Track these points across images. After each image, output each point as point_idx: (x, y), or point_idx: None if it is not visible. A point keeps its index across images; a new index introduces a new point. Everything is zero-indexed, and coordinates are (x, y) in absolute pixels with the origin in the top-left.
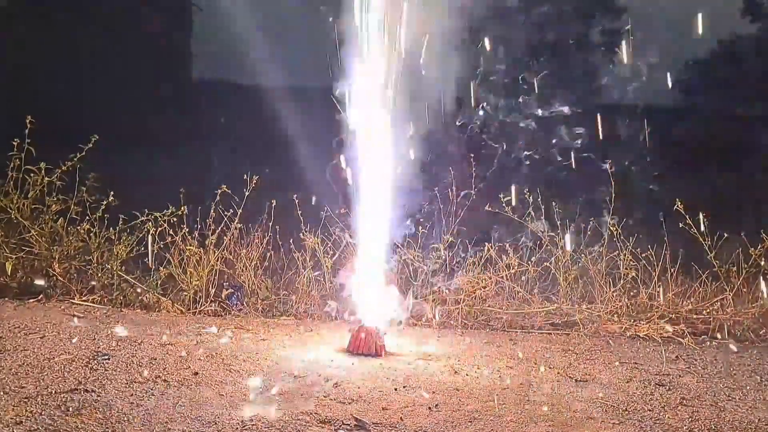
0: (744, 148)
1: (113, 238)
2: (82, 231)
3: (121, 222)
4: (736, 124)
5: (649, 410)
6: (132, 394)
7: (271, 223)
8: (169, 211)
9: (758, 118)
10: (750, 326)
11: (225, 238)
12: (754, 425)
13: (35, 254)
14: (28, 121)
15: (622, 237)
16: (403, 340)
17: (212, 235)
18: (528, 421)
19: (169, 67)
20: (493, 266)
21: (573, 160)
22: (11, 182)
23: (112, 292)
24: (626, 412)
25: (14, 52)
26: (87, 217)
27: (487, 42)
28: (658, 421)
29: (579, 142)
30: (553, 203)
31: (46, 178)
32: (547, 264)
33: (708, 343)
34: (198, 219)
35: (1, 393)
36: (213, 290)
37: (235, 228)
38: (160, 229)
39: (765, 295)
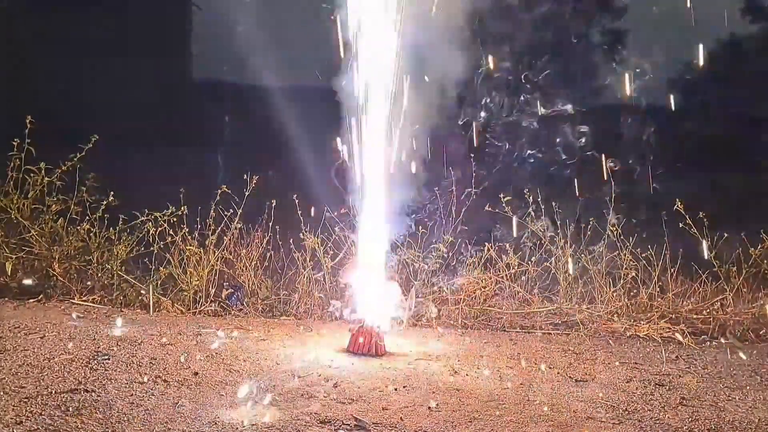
0: (746, 148)
1: (113, 238)
2: (82, 231)
3: (121, 222)
4: (738, 124)
5: (649, 410)
6: (132, 394)
7: (271, 223)
8: (169, 211)
9: (761, 117)
10: (750, 326)
11: (225, 238)
12: (754, 425)
13: (35, 254)
14: (28, 121)
15: (622, 237)
16: (403, 340)
17: (212, 235)
18: (528, 421)
19: (168, 67)
20: (493, 266)
21: (574, 159)
22: (11, 182)
23: (112, 292)
24: (626, 412)
25: (14, 52)
26: (87, 217)
27: (489, 39)
28: (658, 421)
29: (583, 140)
30: (553, 203)
31: (46, 178)
32: (547, 264)
33: (708, 343)
34: (198, 219)
35: (1, 393)
36: (213, 290)
37: (235, 228)
38: (160, 229)
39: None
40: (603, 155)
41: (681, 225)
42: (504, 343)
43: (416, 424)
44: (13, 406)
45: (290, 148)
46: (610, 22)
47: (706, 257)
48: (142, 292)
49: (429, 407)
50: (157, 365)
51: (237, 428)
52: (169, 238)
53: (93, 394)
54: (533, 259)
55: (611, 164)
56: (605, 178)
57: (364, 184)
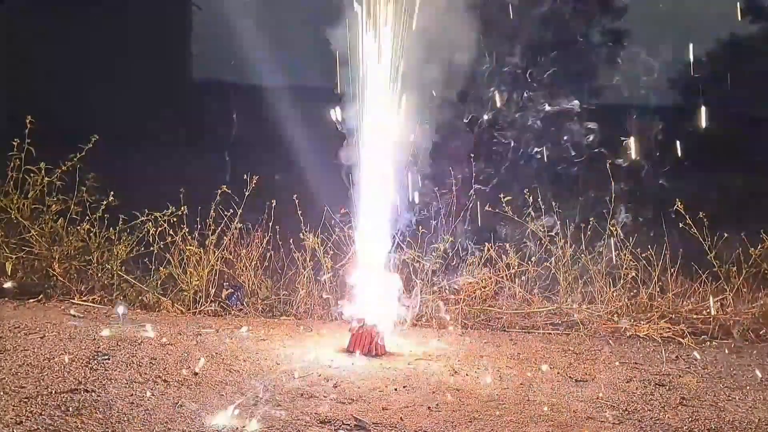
0: (746, 148)
1: (113, 238)
2: (82, 231)
3: (121, 222)
4: (739, 123)
5: (649, 410)
6: (132, 394)
7: (271, 223)
8: (169, 211)
9: (761, 117)
10: (750, 326)
11: (225, 238)
12: (754, 425)
13: (35, 254)
14: (28, 121)
15: (621, 237)
16: (403, 340)
17: (212, 235)
18: (528, 421)
19: (168, 67)
20: (493, 266)
21: (580, 157)
22: (11, 182)
23: (112, 292)
24: (626, 412)
25: (14, 52)
26: (87, 217)
27: (493, 36)
28: (658, 421)
29: (591, 137)
30: (553, 203)
31: (46, 178)
32: (547, 264)
33: (708, 343)
34: (198, 219)
35: (1, 393)
36: (213, 290)
37: (236, 228)
38: (160, 229)
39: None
40: (606, 154)
41: (681, 225)
42: (504, 343)
43: (416, 424)
44: (13, 406)
45: (291, 148)
46: (610, 22)
47: (706, 257)
48: (142, 291)
49: (429, 407)
50: (157, 365)
51: (237, 428)
52: (169, 238)
53: (93, 394)
54: (533, 259)
55: (621, 161)
56: (609, 177)
57: (365, 183)
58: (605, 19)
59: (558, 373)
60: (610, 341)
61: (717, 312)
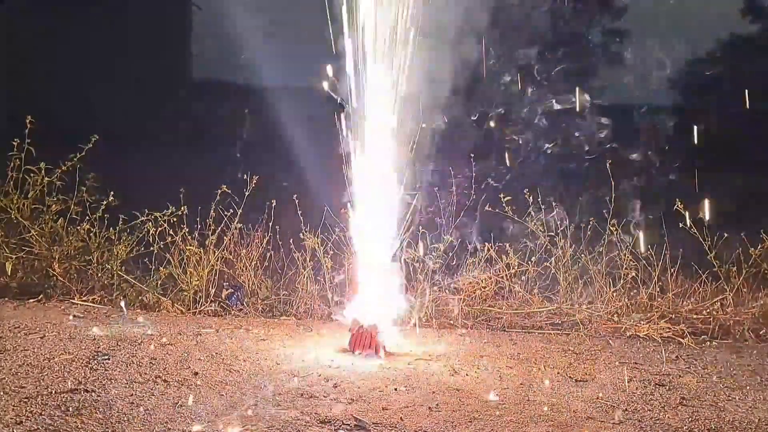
0: (746, 148)
1: (113, 238)
2: (82, 231)
3: (121, 222)
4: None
5: (649, 410)
6: (132, 394)
7: (271, 223)
8: (169, 211)
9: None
10: (750, 326)
11: (225, 238)
12: (754, 425)
13: (35, 254)
14: (28, 121)
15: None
16: (403, 340)
17: (212, 235)
18: (528, 421)
19: (168, 67)
20: (493, 266)
21: (587, 156)
22: (11, 182)
23: (112, 292)
24: (626, 412)
25: (14, 52)
26: (87, 217)
27: (497, 34)
28: (658, 421)
29: (602, 134)
30: (554, 201)
31: (46, 178)
32: (547, 264)
33: (708, 343)
34: (198, 219)
35: (1, 393)
36: (213, 290)
37: (235, 228)
38: (160, 229)
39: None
40: (607, 154)
41: (681, 225)
42: (504, 343)
43: (416, 424)
44: (13, 406)
45: (291, 148)
46: (611, 21)
47: (706, 257)
48: (142, 291)
49: (429, 407)
50: (157, 365)
51: (237, 429)
52: (169, 238)
53: (93, 394)
54: (533, 258)
55: (633, 156)
56: (611, 177)
57: (366, 182)
58: (605, 19)
59: (558, 373)
60: (610, 341)
61: (717, 312)
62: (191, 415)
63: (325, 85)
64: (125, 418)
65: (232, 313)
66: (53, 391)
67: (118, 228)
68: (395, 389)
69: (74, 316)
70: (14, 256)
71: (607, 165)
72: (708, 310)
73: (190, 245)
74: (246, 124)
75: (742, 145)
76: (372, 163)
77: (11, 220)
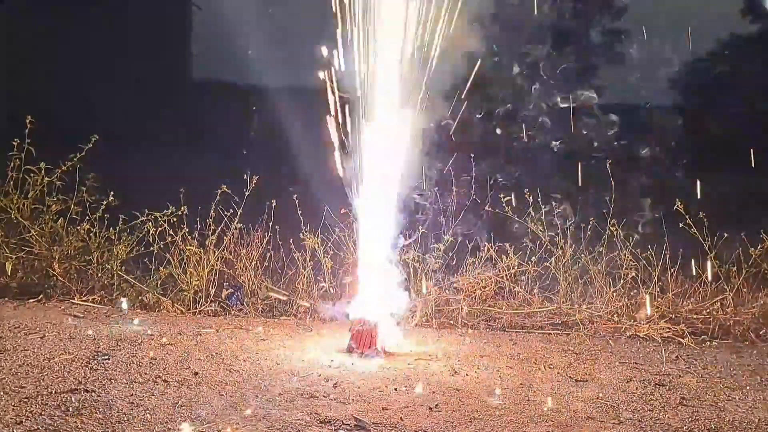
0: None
1: (113, 238)
2: (82, 231)
3: (121, 222)
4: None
5: (649, 410)
6: (132, 394)
7: (271, 223)
8: (169, 211)
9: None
10: (750, 326)
11: (225, 238)
12: (754, 425)
13: (35, 254)
14: (28, 121)
15: (621, 237)
16: (403, 340)
17: (212, 235)
18: (528, 421)
19: (168, 67)
20: (493, 266)
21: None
22: (11, 182)
23: (112, 292)
24: (626, 412)
25: (14, 52)
26: (87, 217)
27: (501, 31)
28: (658, 421)
29: (601, 134)
30: (554, 203)
31: (46, 178)
32: (547, 264)
33: (708, 343)
34: (198, 219)
35: (1, 393)
36: (213, 290)
37: (235, 228)
38: (160, 229)
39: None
40: (608, 154)
41: (681, 225)
42: (504, 343)
43: (416, 424)
44: (13, 406)
45: (292, 148)
46: (610, 21)
47: (706, 257)
48: (141, 291)
49: (429, 407)
50: (157, 365)
51: (237, 429)
52: (169, 238)
53: (93, 394)
54: (533, 258)
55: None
56: (614, 176)
57: (366, 181)
58: (605, 18)
59: (558, 373)
60: (610, 341)
61: (717, 312)
62: (191, 415)
63: (321, 74)
64: (125, 418)
65: (232, 313)
66: (53, 391)
67: (118, 228)
68: (395, 389)
69: (74, 316)
70: (14, 256)
71: (607, 165)
72: (708, 310)
73: (190, 245)
74: (246, 124)
75: (742, 145)
76: (374, 162)
77: (11, 220)
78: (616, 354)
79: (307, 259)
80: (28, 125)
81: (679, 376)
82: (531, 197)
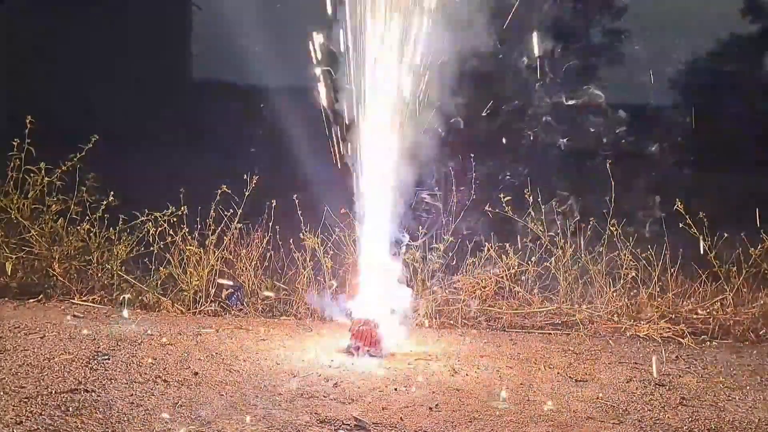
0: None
1: (113, 238)
2: (82, 231)
3: (121, 222)
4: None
5: (649, 410)
6: (132, 394)
7: (271, 223)
8: (169, 211)
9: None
10: (750, 326)
11: (225, 238)
12: (754, 425)
13: (35, 254)
14: (28, 121)
15: (621, 236)
16: (403, 340)
17: (212, 235)
18: (528, 421)
19: (168, 67)
20: (493, 266)
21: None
22: (11, 182)
23: (112, 292)
24: (626, 412)
25: (14, 52)
26: (87, 217)
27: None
28: (658, 421)
29: (621, 130)
30: (554, 202)
31: (46, 178)
32: (547, 264)
33: (708, 343)
34: (198, 219)
35: (1, 393)
36: (213, 290)
37: (235, 228)
38: (160, 229)
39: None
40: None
41: (681, 225)
42: (504, 343)
43: (416, 424)
44: (13, 406)
45: (292, 148)
46: (611, 21)
47: (706, 257)
48: (141, 291)
49: (429, 407)
50: (157, 365)
51: (237, 429)
52: (169, 238)
53: (93, 394)
54: (533, 258)
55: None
56: (622, 175)
57: (368, 181)
58: (605, 18)
59: (558, 373)
60: (610, 341)
61: (717, 312)
62: (191, 415)
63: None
64: (125, 418)
65: (232, 313)
66: (53, 391)
67: (118, 228)
68: (395, 389)
69: (74, 316)
70: (14, 256)
71: (607, 165)
72: (708, 310)
73: (190, 245)
74: (246, 123)
75: (742, 145)
76: (375, 161)
77: (11, 220)
78: (616, 354)
79: (307, 259)
80: (28, 125)
81: (679, 376)
82: (531, 197)
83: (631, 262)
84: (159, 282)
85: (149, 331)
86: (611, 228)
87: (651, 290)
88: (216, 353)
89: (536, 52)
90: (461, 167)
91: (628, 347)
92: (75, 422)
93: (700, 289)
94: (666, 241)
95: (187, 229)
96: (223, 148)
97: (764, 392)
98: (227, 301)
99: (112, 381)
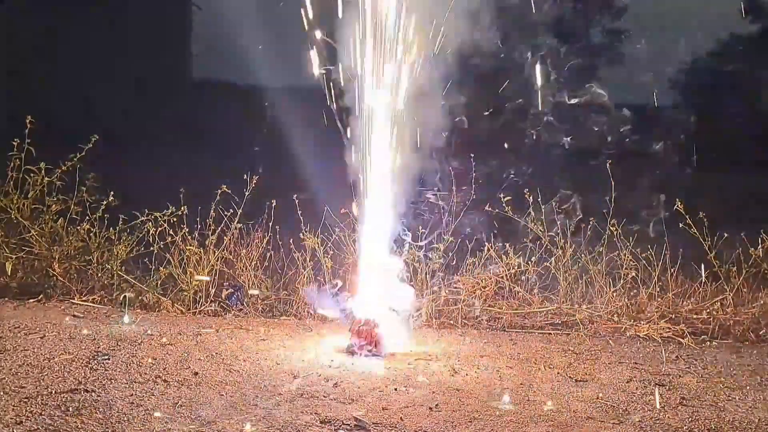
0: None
1: (113, 238)
2: (82, 231)
3: (121, 222)
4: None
5: (649, 410)
6: (132, 394)
7: (271, 223)
8: (169, 211)
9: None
10: (750, 326)
11: (225, 238)
12: (754, 425)
13: (35, 254)
14: (28, 121)
15: (621, 236)
16: (403, 340)
17: (212, 235)
18: (528, 421)
19: (168, 67)
20: (493, 266)
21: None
22: (11, 182)
23: (112, 292)
24: (626, 412)
25: (14, 52)
26: (87, 217)
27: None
28: (658, 421)
29: (622, 130)
30: (554, 202)
31: (46, 178)
32: (547, 264)
33: (708, 343)
34: (198, 219)
35: (1, 393)
36: (213, 290)
37: (236, 228)
38: (160, 229)
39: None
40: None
41: (681, 225)
42: (504, 343)
43: (416, 424)
44: (13, 406)
45: (292, 148)
46: (611, 22)
47: (706, 257)
48: (141, 291)
49: (429, 407)
50: (157, 365)
51: (237, 429)
52: (169, 238)
53: (93, 394)
54: (533, 258)
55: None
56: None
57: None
58: (606, 19)
59: (558, 373)
60: (610, 341)
61: (717, 312)
62: (191, 415)
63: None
64: (125, 418)
65: (232, 313)
66: (53, 391)
67: (118, 228)
68: (395, 389)
69: (74, 316)
70: (14, 256)
71: (607, 165)
72: (708, 310)
73: (190, 245)
74: (245, 123)
75: (742, 145)
76: (376, 160)
77: (11, 220)
78: (616, 354)
79: (307, 259)
80: (28, 125)
81: (679, 376)
82: (531, 197)
83: (631, 262)
84: (159, 282)
85: (149, 331)
86: (611, 228)
87: (651, 290)
88: (216, 353)
89: (538, 79)
90: (462, 167)
91: (628, 347)
92: (75, 422)
93: (700, 289)
94: (666, 241)
95: (187, 229)
96: (223, 148)
97: (764, 392)
98: (227, 301)
99: (112, 381)
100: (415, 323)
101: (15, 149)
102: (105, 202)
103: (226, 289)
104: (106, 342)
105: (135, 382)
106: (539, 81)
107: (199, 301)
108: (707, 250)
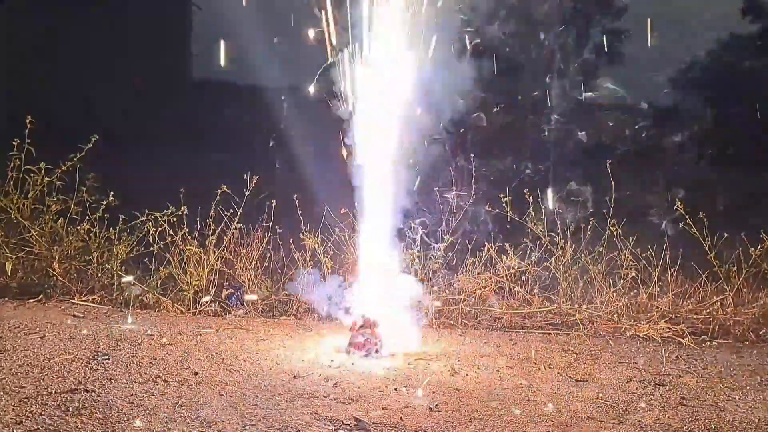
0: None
1: (113, 238)
2: (82, 231)
3: (121, 222)
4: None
5: (649, 410)
6: (132, 394)
7: (271, 223)
8: (169, 211)
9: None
10: (750, 326)
11: (225, 238)
12: (754, 425)
13: (35, 254)
14: (28, 121)
15: (621, 236)
16: (404, 340)
17: (212, 235)
18: (528, 421)
19: (168, 66)
20: (493, 266)
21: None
22: (11, 182)
23: (112, 292)
24: (626, 412)
25: (14, 52)
26: (87, 217)
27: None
28: (658, 421)
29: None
30: (554, 201)
31: (46, 178)
32: (548, 264)
33: (708, 343)
34: (198, 219)
35: (1, 393)
36: (213, 290)
37: (236, 228)
38: (160, 229)
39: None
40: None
41: (681, 225)
42: (504, 343)
43: (416, 424)
44: (13, 406)
45: (293, 148)
46: (611, 22)
47: (706, 257)
48: (141, 291)
49: (429, 407)
50: (157, 365)
51: (237, 428)
52: (169, 238)
53: (93, 394)
54: (533, 258)
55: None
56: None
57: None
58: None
59: (558, 373)
60: (610, 341)
61: (717, 312)
62: (191, 415)
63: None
64: (125, 418)
65: (232, 313)
66: (53, 391)
67: (118, 228)
68: (395, 389)
69: (74, 316)
70: (14, 256)
71: (607, 165)
72: (708, 310)
73: (190, 245)
74: (245, 123)
75: (742, 145)
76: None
77: (11, 220)
78: (616, 354)
79: (307, 259)
80: (28, 125)
81: (679, 376)
82: (531, 197)
83: (631, 262)
84: (159, 282)
85: (149, 331)
86: (611, 228)
87: (651, 290)
88: (216, 353)
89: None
90: (463, 166)
91: (628, 347)
92: (75, 422)
93: (700, 289)
94: (666, 241)
95: (187, 229)
96: (223, 148)
97: (764, 392)
98: (227, 301)
99: (112, 381)
100: (415, 323)
101: (15, 149)
102: (105, 202)
103: (226, 289)
104: (106, 342)
105: (135, 382)
106: (542, 81)
107: (199, 301)
108: (707, 250)
